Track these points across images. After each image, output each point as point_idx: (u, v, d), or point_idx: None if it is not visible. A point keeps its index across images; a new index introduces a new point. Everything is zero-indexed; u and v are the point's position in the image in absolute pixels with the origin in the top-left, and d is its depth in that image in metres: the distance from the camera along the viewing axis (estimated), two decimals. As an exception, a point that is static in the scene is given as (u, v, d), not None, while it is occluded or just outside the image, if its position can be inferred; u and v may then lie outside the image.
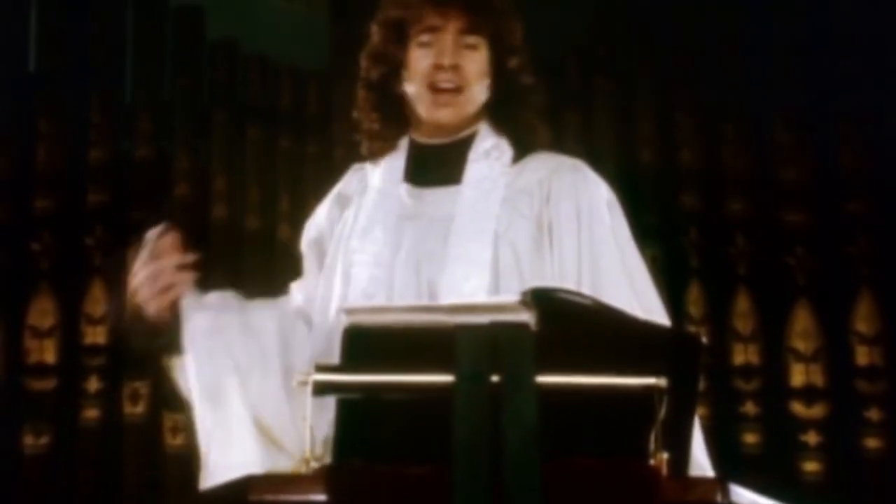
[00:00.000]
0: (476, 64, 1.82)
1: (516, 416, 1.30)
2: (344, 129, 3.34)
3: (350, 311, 1.41)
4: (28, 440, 3.14)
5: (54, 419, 3.16)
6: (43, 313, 3.20)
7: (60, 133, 3.29)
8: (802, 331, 3.24)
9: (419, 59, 1.83)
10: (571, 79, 3.43)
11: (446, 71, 1.80)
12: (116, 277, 3.20)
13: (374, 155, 1.91)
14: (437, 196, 1.84)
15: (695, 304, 3.28)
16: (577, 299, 1.39)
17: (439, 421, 1.31)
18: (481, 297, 1.69)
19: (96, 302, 3.22)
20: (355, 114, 1.93)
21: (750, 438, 3.19)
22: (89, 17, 3.37)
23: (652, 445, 1.32)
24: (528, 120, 1.89)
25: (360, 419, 1.37)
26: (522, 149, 1.87)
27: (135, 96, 3.39)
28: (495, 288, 1.74)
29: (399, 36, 1.85)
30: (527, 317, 1.36)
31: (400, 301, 1.73)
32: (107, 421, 3.18)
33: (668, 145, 3.40)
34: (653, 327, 1.44)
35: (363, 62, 1.90)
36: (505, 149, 1.86)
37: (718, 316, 3.29)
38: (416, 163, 1.88)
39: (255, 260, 3.26)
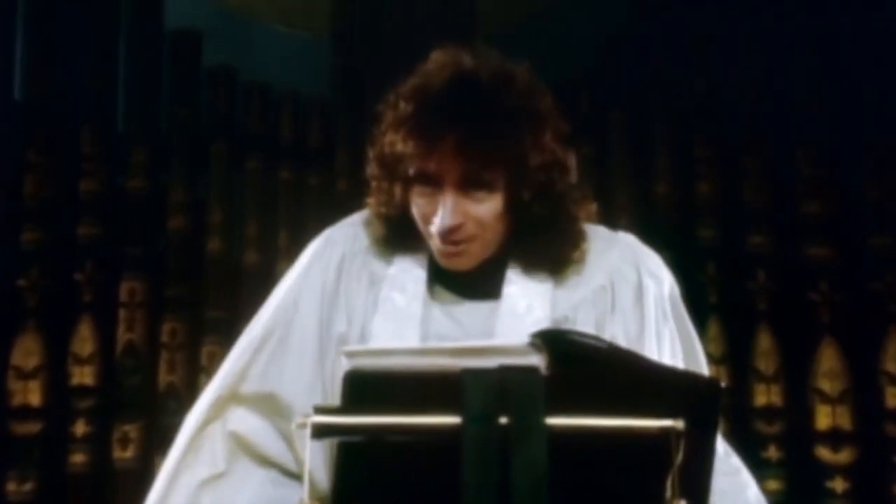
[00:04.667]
0: (486, 210, 1.62)
1: (525, 464, 1.31)
2: (347, 161, 3.40)
3: (350, 354, 1.41)
4: (11, 487, 3.13)
5: (39, 465, 3.16)
6: (28, 353, 3.20)
7: (49, 164, 3.31)
8: (828, 371, 3.23)
9: (420, 206, 1.65)
10: (583, 108, 3.46)
11: (450, 232, 1.62)
12: (107, 315, 3.25)
13: (388, 244, 1.72)
14: (471, 312, 1.68)
15: (714, 342, 3.29)
16: (590, 341, 1.40)
17: (444, 467, 1.32)
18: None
19: (84, 341, 3.23)
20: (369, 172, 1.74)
21: (772, 485, 3.19)
22: (80, 43, 3.40)
23: (668, 492, 1.32)
24: (554, 252, 1.69)
25: (361, 464, 1.38)
26: (550, 268, 1.70)
27: (128, 125, 3.42)
28: None
29: (395, 174, 1.65)
30: (536, 360, 1.37)
31: None
32: (95, 466, 3.18)
33: (685, 176, 3.42)
34: (669, 371, 1.45)
35: (368, 168, 1.72)
36: (536, 270, 1.69)
37: (739, 355, 3.29)
38: (439, 280, 1.71)
39: (252, 297, 3.26)
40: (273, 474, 1.70)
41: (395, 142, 1.62)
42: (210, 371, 3.23)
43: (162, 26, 3.46)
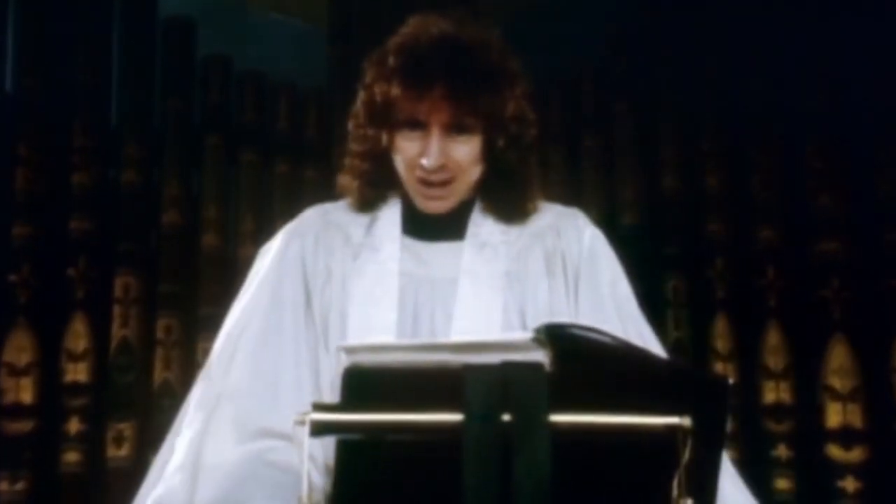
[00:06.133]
0: (466, 153, 1.85)
1: (528, 463, 1.31)
2: (344, 153, 3.40)
3: (350, 350, 1.42)
4: (3, 486, 3.13)
5: (32, 464, 3.16)
6: (20, 349, 3.20)
7: (41, 158, 3.30)
8: (839, 368, 3.24)
9: (406, 148, 1.86)
10: (588, 101, 3.46)
11: (434, 171, 1.84)
12: (100, 311, 3.25)
13: (365, 204, 1.94)
14: (439, 254, 1.89)
15: (722, 338, 3.29)
16: (594, 336, 1.40)
17: (445, 465, 1.31)
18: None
19: (78, 337, 3.23)
20: (347, 150, 1.96)
21: (782, 484, 3.19)
22: (71, 34, 3.40)
23: (675, 491, 1.32)
24: (520, 191, 1.92)
25: (360, 462, 1.38)
26: (512, 217, 1.93)
27: (121, 118, 3.42)
28: None
29: (382, 121, 1.87)
30: (540, 355, 1.37)
31: None
32: (89, 465, 3.18)
33: (692, 170, 3.42)
34: (675, 367, 1.45)
35: (353, 120, 1.93)
36: (499, 217, 1.92)
37: (747, 352, 3.29)
38: (413, 217, 1.92)
39: (248, 292, 3.26)
40: None
41: (387, 90, 1.82)
42: (206, 368, 3.25)
43: (155, 15, 3.46)
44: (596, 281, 1.92)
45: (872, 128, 3.34)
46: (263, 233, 3.35)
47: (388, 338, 1.80)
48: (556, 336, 1.38)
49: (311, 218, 1.99)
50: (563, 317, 1.84)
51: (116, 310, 3.26)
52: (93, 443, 3.19)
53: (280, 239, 1.98)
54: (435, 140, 1.82)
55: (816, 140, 3.36)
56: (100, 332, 3.24)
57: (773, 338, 3.29)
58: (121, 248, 3.30)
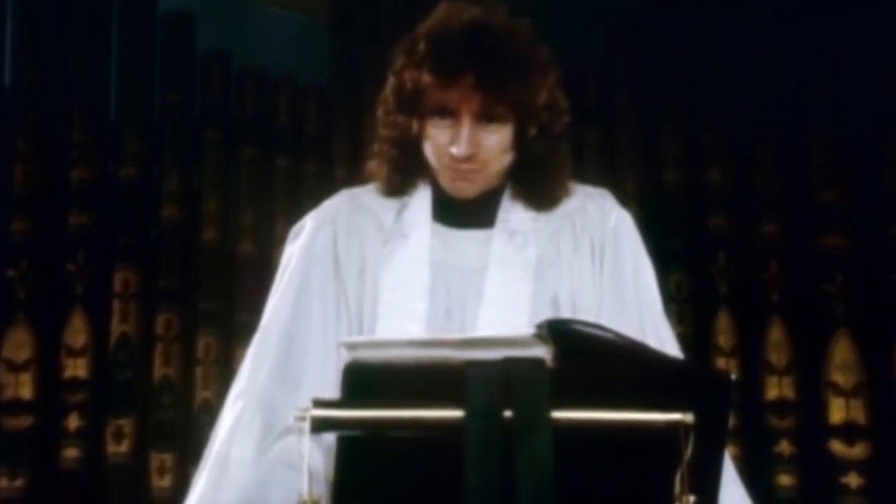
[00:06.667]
0: (496, 142, 1.84)
1: (530, 459, 1.31)
2: (346, 148, 3.40)
3: (351, 346, 1.42)
4: (2, 483, 3.14)
5: (31, 460, 3.17)
6: (19, 345, 3.21)
7: (40, 152, 3.31)
8: (842, 363, 3.24)
9: (436, 135, 1.85)
10: (590, 94, 3.46)
11: (464, 160, 1.83)
12: (100, 307, 3.25)
13: (395, 189, 1.93)
14: (468, 242, 1.89)
15: (724, 334, 3.29)
16: (597, 332, 1.40)
17: (446, 462, 1.32)
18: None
19: (77, 333, 3.24)
20: (376, 135, 1.94)
21: (785, 481, 3.19)
22: (71, 27, 3.40)
23: (677, 488, 1.33)
24: (551, 177, 1.92)
25: (361, 459, 1.39)
26: (543, 204, 1.93)
27: (120, 112, 3.42)
28: None
29: (412, 108, 1.86)
30: (542, 351, 1.37)
31: None
32: (88, 461, 3.18)
33: (694, 165, 3.42)
34: (678, 363, 1.45)
35: (382, 106, 1.92)
36: (529, 203, 1.92)
37: (750, 347, 3.30)
38: (443, 203, 1.91)
39: (248, 288, 3.27)
40: None
41: (417, 77, 1.81)
42: (206, 363, 3.25)
43: (155, 9, 3.46)
44: (619, 267, 1.91)
45: (876, 123, 3.34)
46: (263, 228, 3.37)
47: (419, 327, 1.80)
48: (558, 332, 1.38)
49: (341, 203, 1.97)
50: (593, 299, 1.86)
51: (116, 305, 3.26)
52: (92, 439, 3.19)
53: (309, 226, 1.96)
54: (465, 129, 1.81)
55: (819, 135, 3.36)
56: (99, 327, 3.25)
57: (775, 333, 3.29)
58: (120, 243, 3.30)
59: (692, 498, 1.33)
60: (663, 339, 1.87)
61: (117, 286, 3.27)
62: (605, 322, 1.76)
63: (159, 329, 3.27)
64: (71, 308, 3.25)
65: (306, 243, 1.93)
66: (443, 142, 1.84)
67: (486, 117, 1.82)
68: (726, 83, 3.43)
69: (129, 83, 3.42)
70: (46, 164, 3.32)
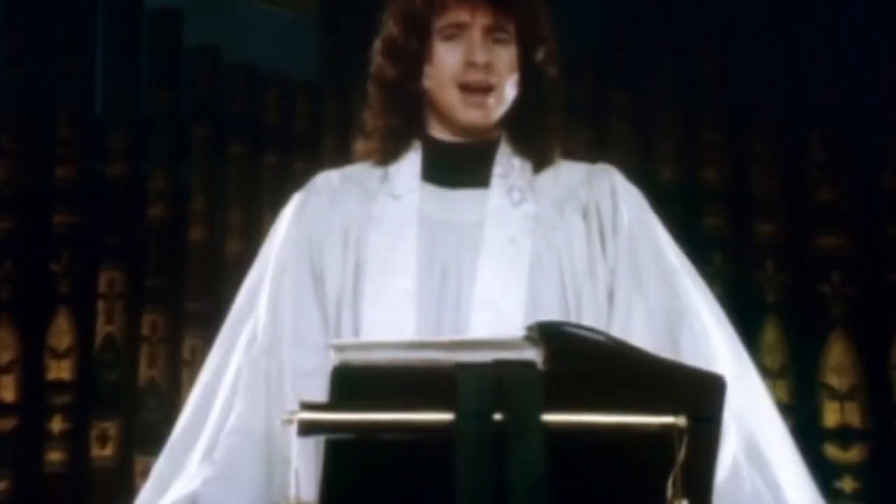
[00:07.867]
0: (506, 59, 1.89)
1: (522, 463, 1.31)
2: (335, 145, 3.40)
3: (339, 348, 1.42)
4: (-15, 486, 3.15)
5: (14, 463, 3.17)
6: (2, 346, 3.21)
7: (24, 150, 3.31)
8: (837, 365, 3.24)
9: (446, 55, 1.88)
10: (584, 90, 3.46)
11: (478, 69, 1.86)
12: (85, 307, 3.25)
13: (387, 156, 1.94)
14: (462, 200, 1.90)
15: (719, 336, 3.29)
16: (588, 334, 1.40)
17: (436, 466, 1.32)
18: (517, 315, 1.76)
19: (61, 334, 3.24)
20: (365, 115, 1.96)
21: (780, 485, 3.19)
22: (55, 23, 3.40)
23: (670, 491, 1.33)
24: (552, 121, 1.95)
25: (349, 462, 1.39)
26: (541, 157, 1.94)
27: (106, 109, 3.41)
28: (533, 302, 1.80)
29: (420, 29, 1.89)
30: (533, 354, 1.37)
31: (428, 314, 1.79)
32: (72, 465, 3.18)
33: (690, 162, 3.42)
34: (671, 365, 1.45)
35: (376, 58, 1.95)
36: (526, 157, 1.94)
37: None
38: (435, 162, 1.93)
39: (236, 288, 3.26)
40: None
41: None
42: (193, 365, 3.24)
43: (141, 4, 3.46)
44: (634, 242, 1.92)
45: (875, 120, 3.35)
46: (252, 226, 3.37)
47: (410, 282, 1.81)
48: (549, 334, 1.38)
49: (327, 175, 1.99)
50: (596, 269, 1.87)
51: (101, 305, 3.26)
52: (76, 441, 3.19)
53: (294, 199, 1.99)
54: (479, 38, 1.86)
55: (818, 133, 3.36)
56: (84, 328, 3.25)
57: (769, 335, 3.29)
58: (106, 242, 3.30)
59: (685, 501, 1.33)
60: (691, 301, 2.00)
61: (103, 286, 3.27)
62: (620, 294, 1.84)
63: (145, 330, 3.27)
64: (55, 308, 3.25)
65: (285, 216, 1.98)
66: (455, 60, 1.87)
67: (497, 31, 1.87)
68: (723, 80, 3.43)
69: (116, 80, 3.42)
70: (31, 161, 3.31)
